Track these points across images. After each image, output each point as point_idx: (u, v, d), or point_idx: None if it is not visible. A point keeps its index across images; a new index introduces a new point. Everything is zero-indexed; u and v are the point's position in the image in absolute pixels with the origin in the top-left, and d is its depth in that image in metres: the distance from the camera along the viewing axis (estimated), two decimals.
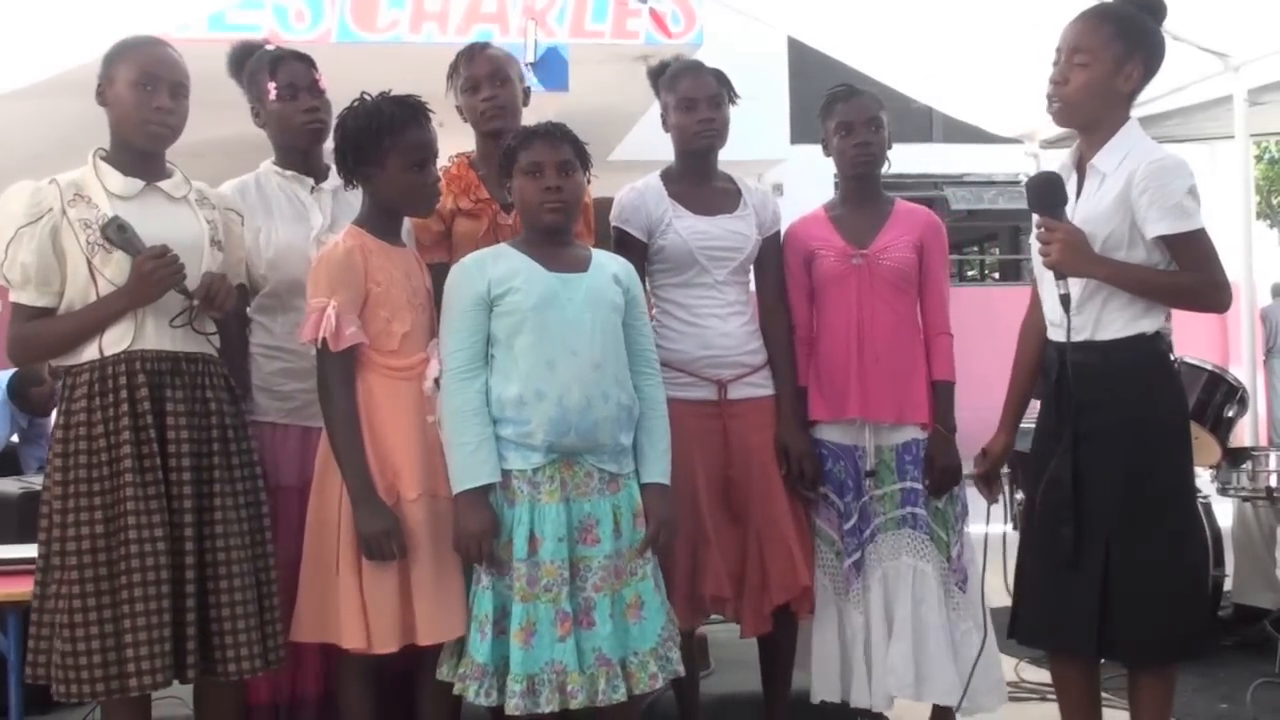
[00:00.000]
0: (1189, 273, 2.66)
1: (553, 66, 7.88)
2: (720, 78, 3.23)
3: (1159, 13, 2.75)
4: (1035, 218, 2.79)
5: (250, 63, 3.07)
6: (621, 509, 2.73)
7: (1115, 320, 2.70)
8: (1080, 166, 2.79)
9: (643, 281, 3.17)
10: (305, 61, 3.04)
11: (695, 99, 3.18)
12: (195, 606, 2.55)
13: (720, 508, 3.14)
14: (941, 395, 3.26)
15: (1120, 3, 2.75)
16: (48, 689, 2.60)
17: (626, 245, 3.20)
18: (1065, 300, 2.68)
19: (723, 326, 3.20)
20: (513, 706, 2.56)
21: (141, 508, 2.50)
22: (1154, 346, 2.71)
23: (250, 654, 2.59)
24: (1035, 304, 2.97)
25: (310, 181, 3.03)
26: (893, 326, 3.23)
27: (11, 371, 6.86)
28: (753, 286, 3.36)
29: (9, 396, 6.81)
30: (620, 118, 9.71)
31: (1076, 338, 2.70)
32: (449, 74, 3.22)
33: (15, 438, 6.99)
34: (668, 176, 3.28)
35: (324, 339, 2.60)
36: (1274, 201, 14.45)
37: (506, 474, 2.67)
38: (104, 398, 2.54)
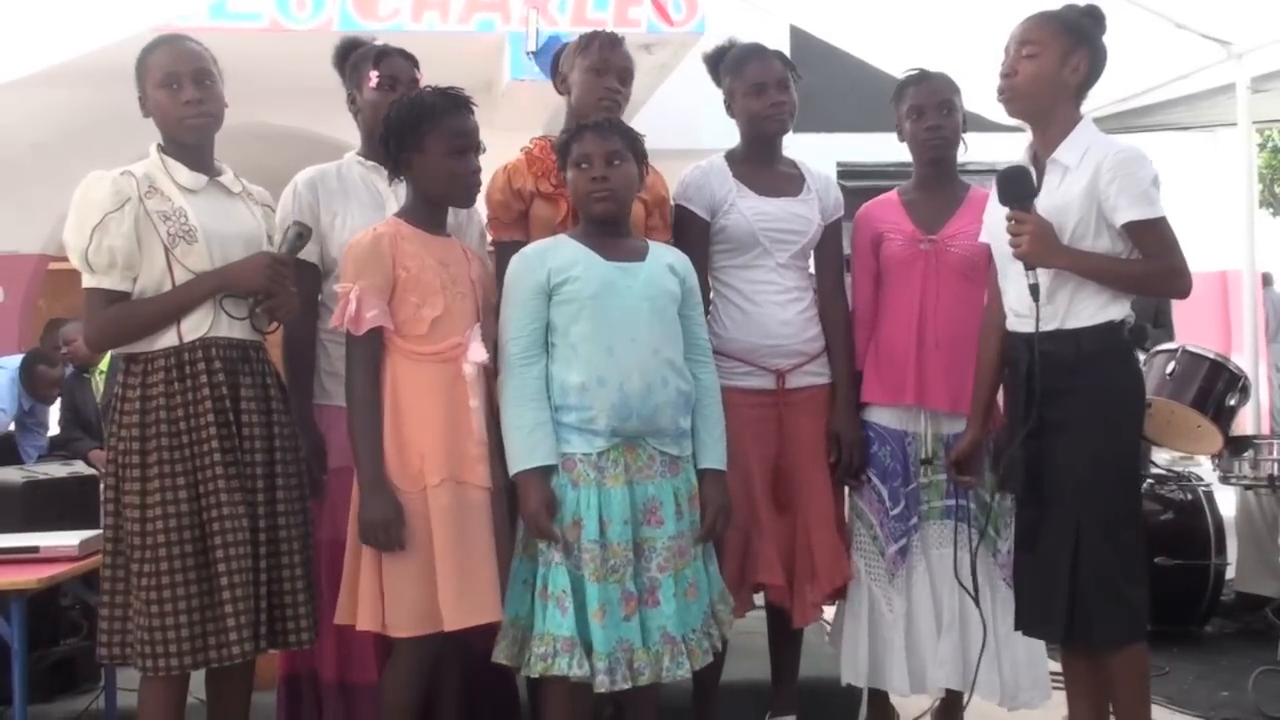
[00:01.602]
0: (1149, 259, 2.72)
1: (554, 55, 7.87)
2: (784, 59, 3.22)
3: (1100, 21, 2.82)
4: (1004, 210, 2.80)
5: (355, 54, 3.16)
6: (681, 491, 2.79)
7: (1085, 308, 2.75)
8: (1037, 163, 2.84)
9: (705, 264, 3.16)
10: (409, 60, 3.14)
11: (764, 83, 3.17)
12: (266, 580, 2.67)
13: (771, 496, 3.14)
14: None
15: (1065, 7, 2.85)
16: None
17: (688, 223, 3.18)
18: (1035, 290, 2.73)
19: (781, 314, 3.17)
20: (600, 683, 2.60)
21: (226, 486, 2.61)
22: (1120, 334, 2.78)
23: (310, 624, 2.74)
24: (994, 298, 2.99)
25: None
26: (955, 314, 3.18)
27: (23, 355, 6.96)
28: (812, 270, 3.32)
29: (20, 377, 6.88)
30: None
31: (1045, 327, 2.74)
32: (576, 44, 3.19)
33: (12, 425, 7.02)
34: (732, 158, 3.26)
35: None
36: (1276, 190, 14.42)
37: (570, 458, 2.71)
38: (183, 382, 2.63)
